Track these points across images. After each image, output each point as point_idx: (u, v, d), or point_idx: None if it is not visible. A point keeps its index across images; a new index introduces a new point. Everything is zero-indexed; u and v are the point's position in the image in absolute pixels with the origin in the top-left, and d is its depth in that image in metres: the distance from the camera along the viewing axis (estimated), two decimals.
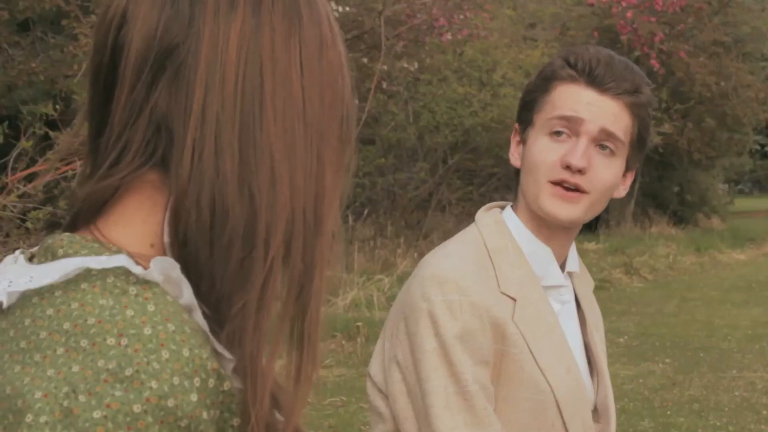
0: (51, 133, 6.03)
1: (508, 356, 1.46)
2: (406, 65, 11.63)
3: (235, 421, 0.70)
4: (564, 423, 1.50)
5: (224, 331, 0.73)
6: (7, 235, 5.87)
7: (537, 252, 1.55)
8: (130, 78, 0.75)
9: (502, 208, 1.62)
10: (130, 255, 0.73)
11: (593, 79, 1.50)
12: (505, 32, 13.95)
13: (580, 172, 1.47)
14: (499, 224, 1.56)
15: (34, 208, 5.88)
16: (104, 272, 0.71)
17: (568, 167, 1.47)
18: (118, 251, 0.73)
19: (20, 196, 5.85)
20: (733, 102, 18.91)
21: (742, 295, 12.10)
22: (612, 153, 1.51)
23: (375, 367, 1.54)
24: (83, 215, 0.77)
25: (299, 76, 0.77)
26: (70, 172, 5.97)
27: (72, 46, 6.61)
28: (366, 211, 12.47)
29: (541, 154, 1.50)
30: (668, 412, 6.44)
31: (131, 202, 0.76)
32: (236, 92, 0.74)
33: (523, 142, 1.56)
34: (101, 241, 0.74)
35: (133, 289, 0.70)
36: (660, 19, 15.51)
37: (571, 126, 1.49)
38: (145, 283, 0.71)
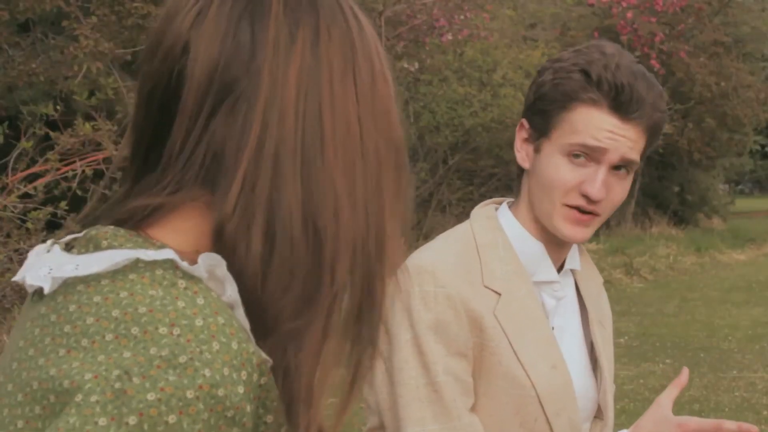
0: (51, 134, 6.03)
1: (486, 349, 1.46)
2: (406, 65, 11.63)
3: (269, 418, 0.72)
4: (547, 419, 1.49)
5: (269, 347, 0.75)
6: (8, 236, 5.88)
7: (529, 248, 1.55)
8: (191, 108, 0.77)
9: (499, 204, 1.62)
10: (176, 252, 0.75)
11: (618, 106, 1.46)
12: (505, 32, 13.95)
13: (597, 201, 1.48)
14: (491, 220, 1.56)
15: (35, 209, 5.88)
16: (152, 264, 0.73)
17: (585, 195, 1.47)
18: (163, 246, 0.75)
19: (20, 197, 5.85)
20: (734, 102, 18.90)
21: (743, 295, 12.10)
22: (627, 173, 1.51)
23: None
24: (131, 222, 0.79)
25: (356, 109, 0.79)
26: (71, 173, 5.97)
27: (72, 47, 6.61)
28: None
29: (558, 174, 1.48)
30: None
31: (182, 214, 0.79)
32: (296, 128, 0.76)
33: (536, 149, 1.53)
34: (145, 237, 0.77)
35: (182, 282, 0.72)
36: (660, 19, 15.52)
37: (591, 154, 1.47)
38: (191, 278, 0.73)
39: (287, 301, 0.75)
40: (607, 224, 17.58)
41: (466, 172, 14.36)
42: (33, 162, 6.06)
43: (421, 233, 12.56)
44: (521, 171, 1.59)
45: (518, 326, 1.49)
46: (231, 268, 0.75)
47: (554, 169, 1.49)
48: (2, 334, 5.66)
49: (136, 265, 0.73)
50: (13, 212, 5.78)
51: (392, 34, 10.52)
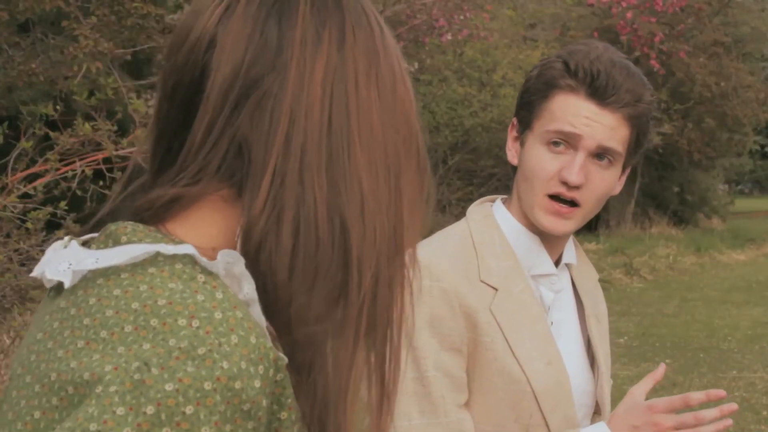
0: (51, 134, 6.03)
1: (480, 345, 1.47)
2: (406, 65, 11.62)
3: (282, 415, 0.72)
4: (543, 415, 1.49)
5: (293, 345, 0.76)
6: (7, 236, 5.87)
7: (525, 242, 1.55)
8: (215, 102, 0.78)
9: (493, 201, 1.63)
10: (195, 247, 0.76)
11: (594, 92, 1.48)
12: (505, 32, 13.96)
13: (577, 187, 1.48)
14: (488, 218, 1.57)
15: (34, 209, 5.88)
16: (172, 258, 0.74)
17: (564, 182, 1.48)
18: (182, 242, 0.76)
19: (20, 197, 5.85)
20: (733, 102, 18.91)
21: (742, 295, 12.10)
22: (609, 163, 1.51)
23: None
24: (152, 215, 0.80)
25: (378, 111, 0.80)
26: (70, 173, 5.97)
27: (72, 47, 6.61)
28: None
29: (538, 163, 1.50)
30: None
31: (200, 209, 0.79)
32: (322, 124, 0.77)
33: (521, 143, 1.56)
34: (164, 233, 0.78)
35: (201, 277, 0.73)
36: (660, 19, 15.52)
37: (569, 140, 1.49)
38: (209, 274, 0.74)
39: (314, 301, 0.75)
40: (607, 224, 17.61)
41: (465, 172, 14.36)
42: (33, 162, 6.06)
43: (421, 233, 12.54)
44: (514, 169, 1.60)
45: (514, 322, 1.49)
46: (255, 265, 0.76)
47: (535, 159, 1.51)
48: (2, 333, 5.66)
49: (155, 258, 0.74)
50: (12, 212, 5.77)
51: (392, 34, 10.50)
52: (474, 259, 1.51)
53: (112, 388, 0.66)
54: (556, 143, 1.49)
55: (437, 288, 1.45)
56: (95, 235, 0.80)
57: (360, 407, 0.80)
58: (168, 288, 0.71)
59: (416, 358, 1.43)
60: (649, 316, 10.49)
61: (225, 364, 0.67)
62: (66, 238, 0.81)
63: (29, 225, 5.84)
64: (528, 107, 1.54)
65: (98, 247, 0.77)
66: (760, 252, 17.65)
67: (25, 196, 5.90)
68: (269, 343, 0.71)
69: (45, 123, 6.25)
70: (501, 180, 14.23)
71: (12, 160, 6.03)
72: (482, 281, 1.49)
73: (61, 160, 5.98)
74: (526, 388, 1.48)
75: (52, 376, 0.70)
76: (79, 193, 6.07)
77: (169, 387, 0.66)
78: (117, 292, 0.72)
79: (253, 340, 0.70)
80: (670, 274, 14.19)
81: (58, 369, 0.70)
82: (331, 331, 0.76)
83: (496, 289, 1.49)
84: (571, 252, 1.62)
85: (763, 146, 32.91)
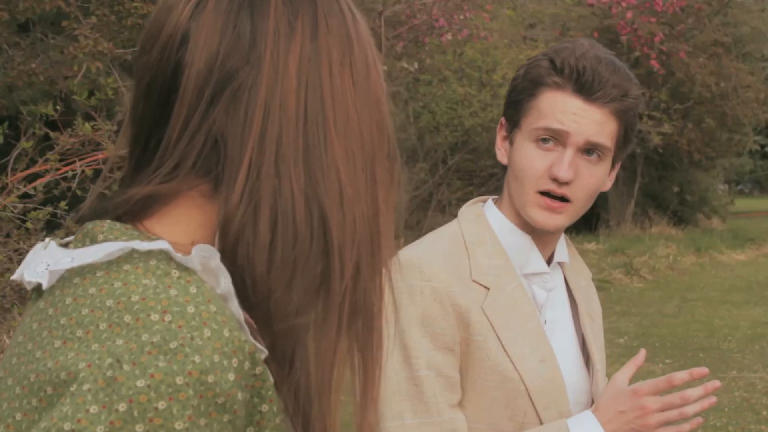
0: (51, 134, 6.03)
1: (473, 344, 1.47)
2: (406, 65, 11.62)
3: (264, 407, 0.72)
4: (537, 413, 1.49)
5: (275, 345, 0.76)
6: (7, 236, 5.87)
7: (517, 241, 1.56)
8: (190, 97, 0.78)
9: (485, 201, 1.63)
10: (171, 243, 0.75)
11: (580, 87, 1.49)
12: (504, 32, 13.96)
13: (567, 183, 1.49)
14: (480, 218, 1.58)
15: (34, 209, 5.88)
16: (147, 255, 0.74)
17: (554, 179, 1.49)
18: (158, 238, 0.76)
19: (20, 197, 5.85)
20: (733, 102, 18.90)
21: (742, 295, 12.10)
22: (598, 158, 1.52)
23: None
24: (129, 214, 0.80)
25: (353, 98, 0.80)
26: (70, 173, 5.97)
27: (72, 47, 6.61)
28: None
29: (528, 161, 1.50)
30: None
31: (178, 205, 0.79)
32: (298, 115, 0.77)
33: (510, 142, 1.57)
34: (141, 231, 0.77)
35: (175, 272, 0.73)
36: (660, 19, 15.51)
37: (557, 137, 1.50)
38: (185, 269, 0.74)
39: (294, 293, 0.75)
40: (606, 224, 17.61)
41: (465, 172, 14.36)
42: (33, 162, 6.06)
43: (421, 233, 12.55)
44: (504, 168, 1.60)
45: (506, 320, 1.49)
46: (233, 259, 0.75)
47: (524, 157, 1.51)
48: (2, 334, 5.66)
49: (130, 255, 0.74)
50: (13, 212, 5.77)
51: (392, 34, 10.52)
52: (465, 258, 1.52)
53: (86, 386, 0.66)
54: (544, 140, 1.50)
55: (429, 287, 1.45)
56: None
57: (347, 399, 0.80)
58: (142, 284, 0.71)
59: (408, 358, 1.43)
60: (649, 316, 10.49)
61: (197, 358, 0.67)
62: (47, 240, 0.81)
63: (29, 225, 5.84)
64: (515, 106, 1.55)
65: (76, 246, 0.77)
66: (760, 252, 17.65)
67: (25, 196, 5.90)
68: (244, 336, 0.71)
69: (45, 123, 6.25)
70: (501, 180, 14.19)
71: (12, 160, 6.03)
72: (474, 280, 1.50)
73: (61, 160, 5.98)
74: (519, 387, 1.48)
75: (32, 377, 0.70)
76: (79, 193, 6.06)
77: (140, 383, 0.66)
78: (92, 290, 0.72)
79: (226, 333, 0.70)
80: (670, 274, 14.19)
81: (36, 370, 0.70)
82: (312, 323, 0.76)
83: (487, 288, 1.50)
84: (563, 250, 1.63)
85: (763, 146, 32.90)
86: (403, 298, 1.45)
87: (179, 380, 0.66)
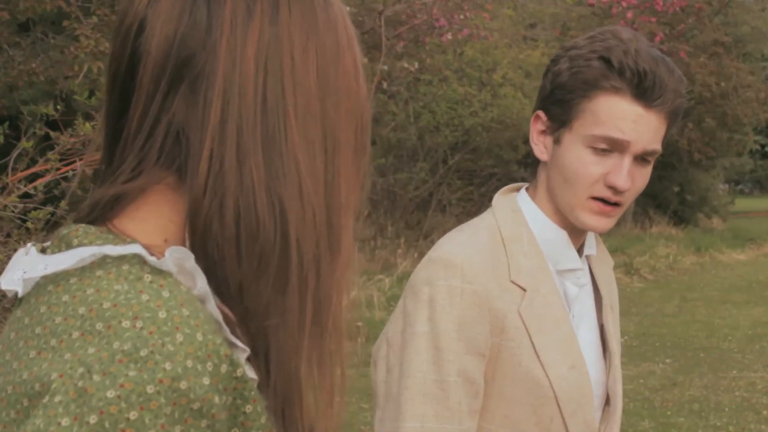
0: (51, 134, 6.02)
1: (505, 350, 1.44)
2: (406, 65, 11.62)
3: (248, 408, 0.71)
4: (563, 419, 1.47)
5: (252, 334, 0.74)
6: (8, 235, 5.87)
7: (553, 237, 1.53)
8: (148, 87, 0.76)
9: (518, 190, 1.59)
10: (145, 246, 0.74)
11: (641, 93, 1.43)
12: (505, 32, 13.95)
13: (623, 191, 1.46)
14: (516, 213, 1.53)
15: (35, 208, 5.88)
16: (119, 260, 0.72)
17: (611, 187, 1.45)
18: (133, 242, 0.74)
19: (21, 197, 5.85)
20: (734, 102, 18.90)
21: (743, 295, 12.10)
22: (649, 162, 1.50)
23: (375, 345, 1.53)
24: (99, 215, 0.78)
25: (317, 85, 0.77)
26: (71, 173, 5.97)
27: (73, 47, 6.61)
28: (366, 211, 12.46)
29: (582, 166, 1.46)
30: (668, 413, 6.44)
31: (147, 201, 0.77)
32: (256, 103, 0.74)
33: (556, 140, 1.50)
34: (116, 233, 0.76)
35: (148, 277, 0.71)
36: (660, 19, 15.51)
37: (615, 145, 1.45)
38: (159, 272, 0.72)
39: (262, 288, 0.73)
40: None
41: (466, 172, 14.35)
42: (33, 162, 6.05)
43: (421, 233, 12.55)
44: (536, 161, 1.56)
45: (541, 324, 1.46)
46: (205, 255, 0.74)
47: (578, 161, 1.46)
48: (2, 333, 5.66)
49: (103, 261, 0.72)
50: (13, 212, 5.77)
51: (392, 33, 10.51)
52: (504, 257, 1.48)
53: (57, 398, 0.64)
54: (601, 147, 1.45)
55: (469, 290, 1.42)
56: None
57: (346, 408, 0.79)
58: (114, 290, 0.70)
59: (440, 360, 1.40)
60: (649, 316, 10.49)
61: (168, 365, 0.66)
62: (29, 245, 0.79)
63: (29, 225, 5.83)
64: (563, 105, 1.48)
65: (53, 252, 0.75)
66: (760, 252, 17.65)
67: (25, 196, 5.90)
68: (219, 339, 0.69)
69: (45, 123, 6.24)
70: (501, 180, 14.21)
71: (12, 160, 6.03)
72: (512, 281, 1.46)
73: (61, 160, 5.97)
74: (548, 393, 1.45)
75: (9, 389, 0.68)
76: (79, 192, 6.06)
77: (110, 394, 0.64)
78: (65, 297, 0.70)
79: (199, 337, 0.68)
80: (670, 273, 14.19)
81: (13, 381, 0.68)
82: (283, 318, 0.74)
83: (524, 290, 1.46)
84: (591, 243, 1.61)
85: (763, 146, 32.89)
86: (443, 297, 1.41)
87: (150, 389, 0.65)
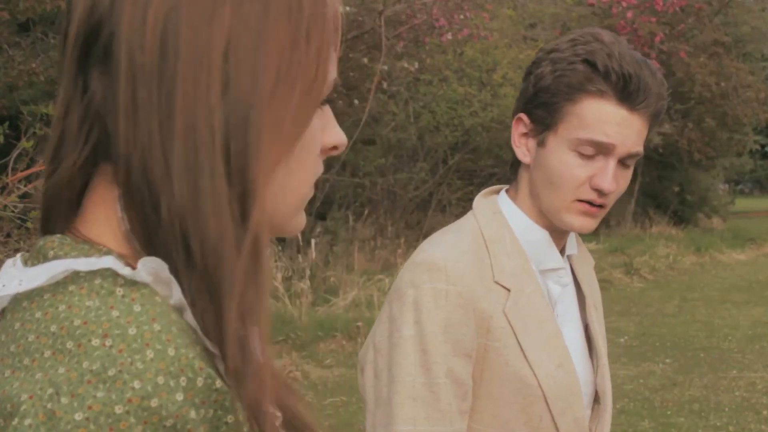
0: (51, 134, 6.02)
1: (491, 351, 1.45)
2: (406, 65, 11.62)
3: (229, 418, 0.69)
4: (553, 418, 1.48)
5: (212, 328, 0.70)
6: (8, 235, 5.88)
7: (534, 237, 1.54)
8: (68, 67, 0.73)
9: (498, 192, 1.61)
10: (120, 255, 0.72)
11: (626, 97, 1.45)
12: (505, 32, 13.96)
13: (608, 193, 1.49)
14: (497, 215, 1.55)
15: (35, 209, 5.88)
16: (92, 274, 0.70)
17: (596, 190, 1.48)
18: (108, 252, 0.72)
19: (21, 197, 5.85)
20: (734, 102, 18.91)
21: (743, 295, 12.11)
22: (631, 164, 1.52)
23: (362, 351, 1.53)
24: (55, 215, 0.76)
25: (222, 53, 0.71)
26: None
27: None
28: (366, 211, 12.48)
29: (568, 169, 1.48)
30: (668, 413, 6.45)
31: (95, 198, 0.75)
32: (160, 75, 0.69)
33: (540, 143, 1.52)
34: (91, 242, 0.73)
35: (120, 290, 0.69)
36: (660, 19, 15.52)
37: (600, 148, 1.47)
38: (133, 284, 0.70)
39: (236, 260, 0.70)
40: (607, 224, 17.60)
41: (466, 172, 14.36)
42: (33, 162, 6.06)
43: (421, 233, 12.55)
44: (516, 162, 1.57)
45: (526, 324, 1.47)
46: (155, 249, 0.71)
47: (563, 164, 1.48)
48: None
49: (77, 275, 0.70)
50: (13, 212, 5.78)
51: (392, 33, 10.52)
52: (487, 258, 1.49)
53: (27, 421, 0.63)
54: (587, 151, 1.47)
55: (454, 292, 1.43)
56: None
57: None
58: (85, 306, 0.67)
59: (428, 363, 1.41)
60: (649, 316, 10.49)
61: (136, 384, 0.64)
62: (18, 255, 0.77)
63: (29, 225, 5.84)
64: (547, 108, 1.49)
65: (33, 264, 0.73)
66: (760, 252, 17.65)
67: (25, 196, 5.90)
68: (193, 353, 0.67)
69: (45, 123, 6.25)
70: (501, 180, 14.22)
71: (12, 160, 6.03)
72: (496, 282, 1.47)
73: None
74: (536, 392, 1.46)
75: None
76: None
77: (78, 416, 0.62)
78: (38, 314, 0.68)
79: (171, 352, 0.66)
80: (670, 273, 14.19)
81: None
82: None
83: (509, 291, 1.48)
84: (572, 243, 1.62)
85: (763, 146, 32.90)
86: (428, 300, 1.42)
87: (118, 409, 0.63)
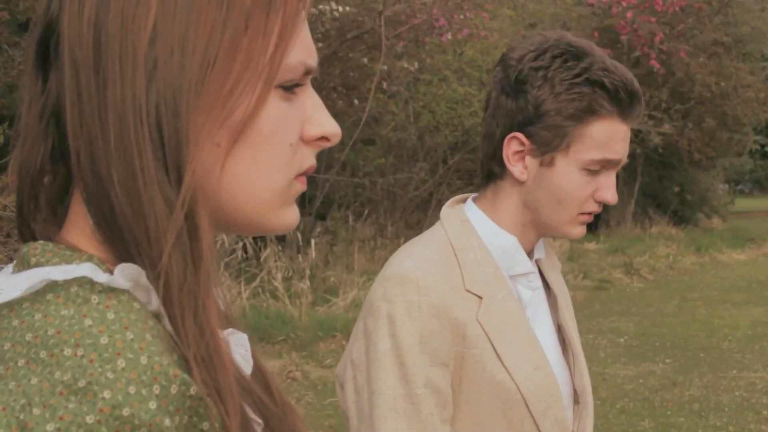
0: None
1: (468, 358, 1.45)
2: (406, 65, 11.62)
3: (205, 425, 0.69)
4: (534, 421, 1.49)
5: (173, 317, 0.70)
6: (8, 235, 5.87)
7: (503, 243, 1.55)
8: (30, 67, 0.74)
9: (464, 201, 1.62)
10: (101, 260, 0.72)
11: (628, 113, 1.49)
12: (505, 32, 13.95)
13: None
14: (465, 223, 1.56)
15: None
16: (69, 282, 0.69)
17: (600, 202, 1.53)
18: (89, 258, 0.72)
19: None
20: (733, 102, 18.90)
21: (742, 295, 12.11)
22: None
23: (339, 367, 1.54)
24: (31, 219, 0.76)
25: (148, 39, 0.70)
26: None
27: None
28: (366, 211, 12.48)
29: (578, 188, 1.51)
30: (668, 413, 6.45)
31: (74, 200, 0.75)
32: (95, 67, 0.70)
33: (544, 163, 1.51)
34: (73, 247, 0.73)
35: (95, 298, 0.69)
36: (660, 19, 15.51)
37: (609, 165, 1.51)
38: (110, 291, 0.69)
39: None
40: (607, 224, 17.61)
41: (466, 172, 14.36)
42: None
43: (421, 233, 12.55)
44: (491, 176, 1.57)
45: (501, 330, 1.48)
46: (120, 251, 0.70)
47: (573, 183, 1.51)
48: None
49: (55, 283, 0.69)
50: (13, 212, 5.77)
51: (392, 33, 10.51)
52: (456, 267, 1.50)
53: None
54: (596, 168, 1.51)
55: (426, 303, 1.43)
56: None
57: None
58: (60, 315, 0.67)
59: (405, 375, 1.41)
60: (649, 315, 10.49)
61: (107, 394, 0.63)
62: (14, 262, 0.76)
63: None
64: (555, 130, 1.48)
65: (19, 271, 0.72)
66: (760, 252, 17.65)
67: None
68: (167, 360, 0.67)
69: None
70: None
71: (12, 160, 6.03)
72: (467, 290, 1.48)
73: None
74: (516, 396, 1.47)
75: None
76: None
77: (50, 427, 0.62)
78: (15, 323, 0.68)
79: (143, 360, 0.66)
80: (670, 273, 14.19)
81: None
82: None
83: (480, 298, 1.48)
84: (540, 247, 1.64)
85: (763, 146, 32.90)
86: (401, 312, 1.42)
87: (90, 419, 0.63)
